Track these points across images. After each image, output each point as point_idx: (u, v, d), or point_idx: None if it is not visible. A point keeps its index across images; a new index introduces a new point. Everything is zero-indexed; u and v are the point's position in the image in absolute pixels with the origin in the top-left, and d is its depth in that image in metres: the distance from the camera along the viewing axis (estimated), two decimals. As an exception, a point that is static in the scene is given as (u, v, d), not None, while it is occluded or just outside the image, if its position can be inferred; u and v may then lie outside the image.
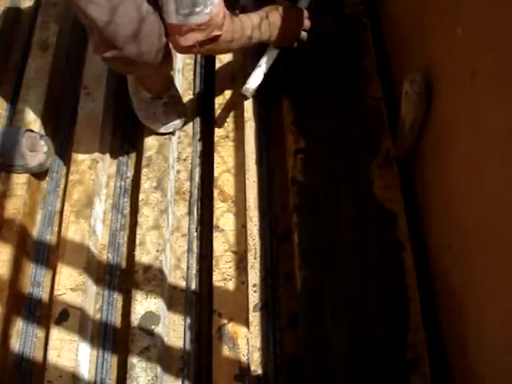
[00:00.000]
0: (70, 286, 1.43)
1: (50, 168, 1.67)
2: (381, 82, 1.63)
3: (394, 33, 1.69)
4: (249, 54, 1.73)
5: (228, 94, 1.67)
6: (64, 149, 1.71)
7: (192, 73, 1.82)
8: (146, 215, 1.50)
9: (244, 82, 1.53)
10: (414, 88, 1.29)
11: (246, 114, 1.63)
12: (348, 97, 1.60)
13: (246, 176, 1.54)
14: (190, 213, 1.56)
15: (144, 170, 1.56)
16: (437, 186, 1.32)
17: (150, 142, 1.62)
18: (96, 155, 1.61)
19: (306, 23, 1.60)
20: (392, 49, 1.71)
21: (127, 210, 1.60)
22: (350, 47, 1.70)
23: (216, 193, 1.50)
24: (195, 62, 1.84)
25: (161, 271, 1.41)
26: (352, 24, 1.74)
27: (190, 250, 1.50)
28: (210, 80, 1.76)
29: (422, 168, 1.42)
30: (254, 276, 1.41)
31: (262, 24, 1.50)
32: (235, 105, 1.64)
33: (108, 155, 1.66)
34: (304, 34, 1.61)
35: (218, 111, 1.64)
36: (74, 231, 1.49)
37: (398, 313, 1.29)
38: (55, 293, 1.42)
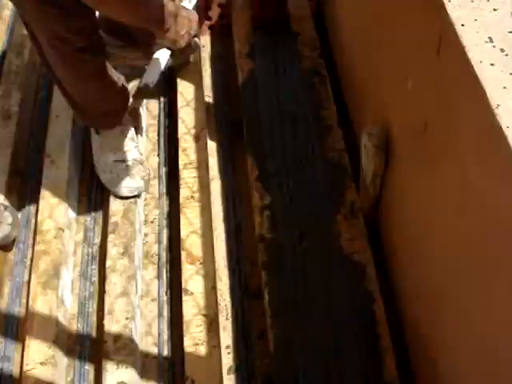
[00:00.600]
0: (40, 360, 1.39)
1: (16, 239, 1.65)
2: (342, 133, 1.65)
3: (351, 85, 1.72)
4: (211, 116, 1.74)
5: (192, 153, 1.67)
6: (30, 219, 1.69)
7: (156, 134, 1.83)
8: (114, 282, 1.48)
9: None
10: (372, 141, 1.30)
11: (211, 173, 1.63)
12: (311, 150, 1.62)
13: (214, 235, 1.53)
14: (159, 276, 1.54)
15: (110, 236, 1.55)
16: (401, 236, 1.33)
17: (116, 206, 1.61)
18: (62, 223, 1.59)
19: (197, 30, 1.60)
20: (351, 100, 1.74)
21: (96, 278, 1.58)
22: (310, 99, 1.72)
23: (184, 255, 1.49)
24: (159, 122, 1.85)
25: (131, 340, 1.39)
26: (311, 77, 1.77)
27: (160, 315, 1.48)
28: (173, 140, 1.77)
29: (386, 218, 1.43)
30: (226, 337, 1.39)
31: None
32: (200, 164, 1.65)
33: (74, 223, 1.65)
34: (196, 42, 1.60)
35: (182, 171, 1.64)
36: (41, 303, 1.47)
37: (373, 365, 1.28)
38: (25, 368, 1.39)
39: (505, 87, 0.80)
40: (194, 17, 1.56)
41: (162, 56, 1.61)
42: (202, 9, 1.95)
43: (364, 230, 1.47)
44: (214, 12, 1.98)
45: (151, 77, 1.55)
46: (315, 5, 1.97)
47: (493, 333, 0.89)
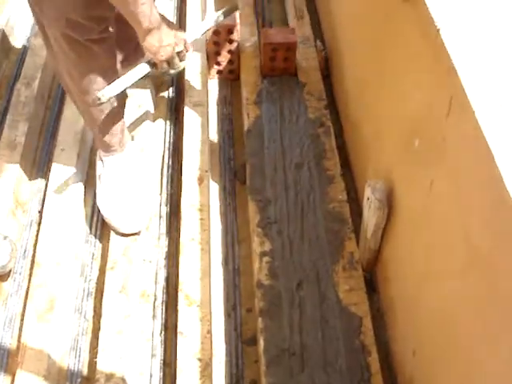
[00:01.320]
0: (29, 395, 1.38)
1: (12, 269, 1.64)
2: (344, 184, 1.67)
3: (355, 138, 1.75)
4: (216, 159, 1.77)
5: (195, 195, 1.69)
6: (28, 250, 1.69)
7: (159, 173, 1.84)
8: (110, 319, 1.47)
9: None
10: (376, 194, 1.32)
11: (212, 216, 1.64)
12: (313, 199, 1.64)
13: (212, 279, 1.53)
14: (154, 316, 1.54)
15: (108, 273, 1.55)
16: (399, 291, 1.34)
17: (116, 243, 1.61)
18: (60, 257, 1.59)
19: (183, 51, 1.53)
20: (354, 152, 1.77)
21: (90, 314, 1.57)
22: (314, 149, 1.75)
23: (181, 297, 1.48)
24: (163, 162, 1.87)
25: (123, 379, 1.37)
26: (316, 127, 1.80)
27: (153, 355, 1.47)
28: (176, 181, 1.79)
29: (384, 272, 1.44)
30: (218, 383, 1.38)
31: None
32: (202, 206, 1.66)
33: (73, 257, 1.65)
34: (178, 64, 1.54)
35: (184, 212, 1.65)
36: (34, 336, 1.45)
37: (366, 421, 1.27)
38: (13, 402, 1.37)
39: (514, 154, 0.82)
40: (182, 35, 1.53)
41: (135, 74, 1.56)
42: (212, 54, 2.00)
43: (362, 283, 1.47)
44: (223, 57, 2.02)
45: (109, 91, 1.51)
46: (323, 57, 2.01)
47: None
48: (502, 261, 0.85)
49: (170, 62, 1.53)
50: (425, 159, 1.14)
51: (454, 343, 1.03)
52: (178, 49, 1.52)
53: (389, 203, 1.33)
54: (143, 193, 1.72)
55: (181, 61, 1.55)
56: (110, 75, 1.55)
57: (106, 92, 1.50)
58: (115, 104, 1.63)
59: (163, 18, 1.48)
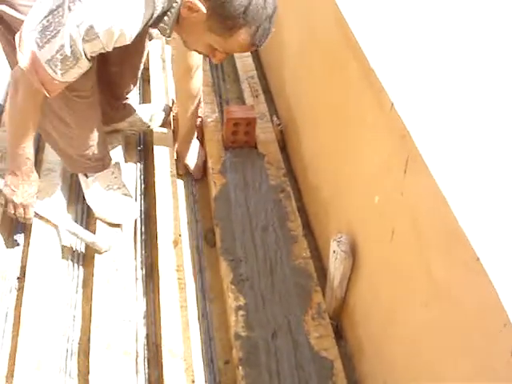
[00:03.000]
0: None
1: (-5, 334, 1.70)
2: (307, 243, 1.84)
3: (314, 200, 1.93)
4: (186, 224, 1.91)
5: (171, 257, 1.81)
6: (8, 313, 1.75)
7: (133, 240, 1.96)
8: (97, 376, 1.55)
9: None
10: (341, 247, 1.49)
11: (186, 276, 1.77)
12: (280, 256, 1.79)
13: (190, 334, 1.64)
14: (137, 372, 1.62)
15: (93, 331, 1.63)
16: (367, 332, 1.49)
17: (97, 305, 1.71)
18: (43, 319, 1.66)
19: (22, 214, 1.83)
20: (314, 213, 1.95)
21: (75, 373, 1.64)
22: (277, 212, 1.92)
23: (165, 350, 1.58)
24: (135, 229, 1.99)
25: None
26: (278, 192, 1.98)
27: (139, 409, 1.55)
28: (151, 246, 1.92)
29: (351, 317, 1.59)
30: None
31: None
32: (178, 267, 1.78)
33: (55, 320, 1.72)
34: (19, 217, 1.85)
35: (162, 273, 1.77)
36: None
37: None
38: None
39: (465, 197, 1.01)
40: (28, 202, 1.81)
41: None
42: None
43: (330, 330, 1.62)
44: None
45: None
46: (279, 131, 2.22)
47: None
48: (459, 289, 1.02)
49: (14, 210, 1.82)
50: (385, 212, 1.33)
51: (420, 369, 1.19)
52: (17, 210, 1.80)
53: (353, 254, 1.50)
54: (126, 191, 1.99)
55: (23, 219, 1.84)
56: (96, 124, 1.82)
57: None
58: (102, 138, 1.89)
59: (32, 181, 1.78)
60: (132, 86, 2.13)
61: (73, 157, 1.88)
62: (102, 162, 1.94)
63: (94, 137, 1.83)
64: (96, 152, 1.87)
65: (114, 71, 1.97)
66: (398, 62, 1.35)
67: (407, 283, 1.23)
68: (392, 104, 1.24)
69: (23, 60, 1.44)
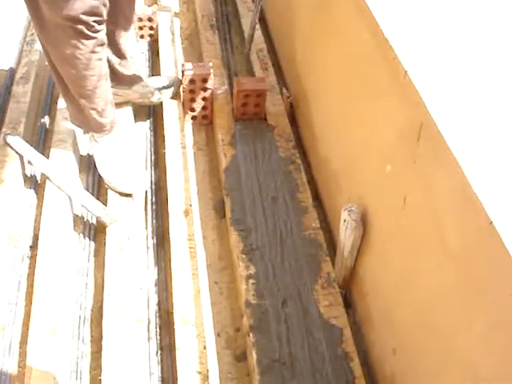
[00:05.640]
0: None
1: (9, 300, 1.73)
2: (317, 214, 1.85)
3: (324, 172, 1.94)
4: (197, 195, 1.93)
5: (182, 227, 1.83)
6: (21, 281, 1.78)
7: (143, 210, 1.98)
8: (109, 342, 1.57)
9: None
10: (352, 216, 1.51)
11: (197, 244, 1.79)
12: (290, 227, 1.81)
13: (201, 302, 1.66)
14: (149, 338, 1.65)
15: (106, 299, 1.66)
16: (376, 299, 1.51)
17: (111, 273, 1.73)
18: (55, 285, 1.69)
19: None
20: (323, 185, 1.96)
21: (88, 338, 1.66)
22: (287, 184, 1.93)
23: (177, 317, 1.60)
24: (146, 199, 2.01)
25: (127, 395, 1.48)
26: (287, 164, 1.99)
27: (151, 373, 1.57)
28: (162, 216, 1.93)
29: (360, 286, 1.61)
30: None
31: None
32: (190, 236, 1.80)
33: (68, 286, 1.75)
34: None
35: (173, 242, 1.79)
36: (38, 361, 1.54)
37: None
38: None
39: (478, 162, 1.02)
40: None
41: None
42: (187, 101, 2.18)
43: (339, 298, 1.64)
44: (198, 104, 2.20)
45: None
46: (289, 103, 2.22)
47: (468, 373, 1.07)
48: (472, 253, 1.04)
49: None
50: (397, 180, 1.34)
51: (431, 334, 1.21)
52: None
53: (363, 223, 1.51)
54: (136, 161, 2.06)
55: None
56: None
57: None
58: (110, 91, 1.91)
59: None
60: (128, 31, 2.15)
61: (80, 106, 1.89)
62: (109, 122, 1.97)
63: (103, 90, 1.86)
64: (103, 107, 1.90)
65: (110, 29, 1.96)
66: (411, 31, 1.35)
67: (419, 250, 1.24)
68: (406, 72, 1.24)
69: None
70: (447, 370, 1.15)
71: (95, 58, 1.74)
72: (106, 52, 1.82)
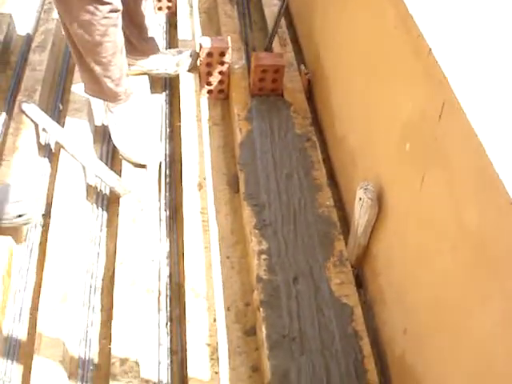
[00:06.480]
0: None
1: (20, 266, 1.73)
2: (331, 192, 1.84)
3: (341, 150, 1.92)
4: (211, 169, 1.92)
5: (196, 200, 1.82)
6: (33, 249, 1.78)
7: (157, 182, 1.97)
8: (120, 312, 1.58)
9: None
10: (368, 194, 1.49)
11: (210, 218, 1.78)
12: (303, 204, 1.80)
13: (213, 275, 1.66)
14: (159, 309, 1.65)
15: (118, 268, 1.66)
16: (388, 279, 1.50)
17: (121, 245, 1.73)
18: (68, 254, 1.69)
19: None
20: (339, 164, 1.94)
21: (99, 307, 1.67)
22: (302, 161, 1.92)
23: (188, 289, 1.60)
24: (160, 172, 2.00)
25: (137, 363, 1.48)
26: (303, 141, 1.97)
27: (160, 344, 1.58)
28: (175, 189, 1.93)
29: (373, 265, 1.60)
30: (225, 369, 1.51)
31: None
32: (203, 210, 1.80)
33: (80, 256, 1.75)
34: None
35: (187, 215, 1.78)
36: (48, 327, 1.54)
37: (361, 396, 1.42)
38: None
39: (500, 142, 1.00)
40: None
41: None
42: (204, 74, 2.17)
43: (351, 277, 1.63)
44: (215, 78, 2.18)
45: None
46: (307, 80, 2.20)
47: (481, 353, 1.06)
48: (490, 233, 1.02)
49: None
50: (416, 158, 1.32)
51: (444, 313, 1.20)
52: None
53: (378, 202, 1.50)
54: (151, 132, 2.05)
55: None
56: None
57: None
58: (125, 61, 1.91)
59: None
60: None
61: (95, 75, 1.88)
62: (124, 92, 1.96)
63: (118, 59, 1.85)
64: (118, 76, 1.89)
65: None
66: (436, 8, 1.32)
67: (436, 230, 1.23)
68: (430, 49, 1.22)
69: None
70: (459, 350, 1.15)
71: (110, 23, 1.73)
72: (121, 20, 1.80)
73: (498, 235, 1.00)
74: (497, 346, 1.01)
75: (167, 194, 1.94)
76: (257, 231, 1.72)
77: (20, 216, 1.69)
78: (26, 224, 1.75)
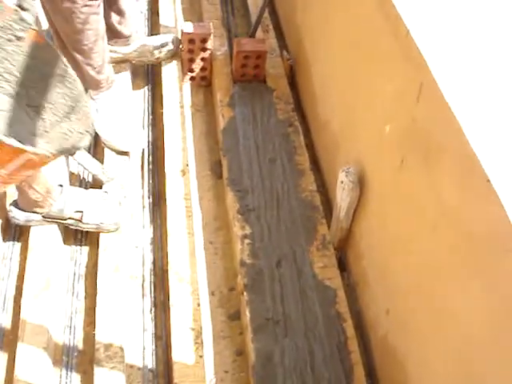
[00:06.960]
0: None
1: (3, 255, 1.73)
2: (314, 177, 1.85)
3: (323, 135, 1.93)
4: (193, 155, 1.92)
5: (179, 186, 1.82)
6: (16, 237, 1.78)
7: (140, 169, 1.97)
8: (104, 298, 1.58)
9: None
10: (349, 177, 1.50)
11: (193, 204, 1.79)
12: (287, 189, 1.80)
13: (196, 260, 1.67)
14: (143, 295, 1.65)
15: (101, 255, 1.66)
16: (371, 261, 1.51)
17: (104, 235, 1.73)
18: (50, 245, 1.69)
19: None
20: (321, 149, 1.95)
21: (83, 295, 1.67)
22: (285, 146, 1.92)
23: (171, 274, 1.61)
24: (142, 159, 2.00)
25: (121, 348, 1.49)
26: (286, 127, 1.98)
27: (145, 329, 1.58)
28: (158, 175, 1.93)
29: (355, 248, 1.61)
30: (209, 353, 1.51)
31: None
32: (187, 195, 1.80)
33: (62, 246, 1.75)
34: None
35: (170, 201, 1.78)
36: (32, 314, 1.54)
37: (345, 376, 1.43)
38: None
39: (477, 122, 1.02)
40: None
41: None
42: (186, 61, 2.16)
43: (334, 260, 1.64)
44: (197, 64, 2.17)
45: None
46: (289, 65, 2.20)
47: (462, 334, 1.08)
48: (469, 212, 1.03)
49: None
50: (396, 140, 1.33)
51: (426, 294, 1.21)
52: None
53: (360, 185, 1.51)
54: (134, 119, 2.05)
55: None
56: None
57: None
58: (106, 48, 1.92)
59: None
60: None
61: (77, 62, 1.86)
62: (105, 79, 1.96)
63: (99, 46, 1.85)
64: (100, 63, 1.89)
65: None
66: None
67: (416, 210, 1.24)
68: (408, 31, 1.22)
69: None
70: (440, 330, 1.16)
71: (91, 11, 1.72)
72: (102, 8, 1.79)
73: (477, 214, 1.01)
74: (475, 327, 1.02)
75: (150, 180, 1.94)
76: (240, 216, 1.73)
77: None
78: None
